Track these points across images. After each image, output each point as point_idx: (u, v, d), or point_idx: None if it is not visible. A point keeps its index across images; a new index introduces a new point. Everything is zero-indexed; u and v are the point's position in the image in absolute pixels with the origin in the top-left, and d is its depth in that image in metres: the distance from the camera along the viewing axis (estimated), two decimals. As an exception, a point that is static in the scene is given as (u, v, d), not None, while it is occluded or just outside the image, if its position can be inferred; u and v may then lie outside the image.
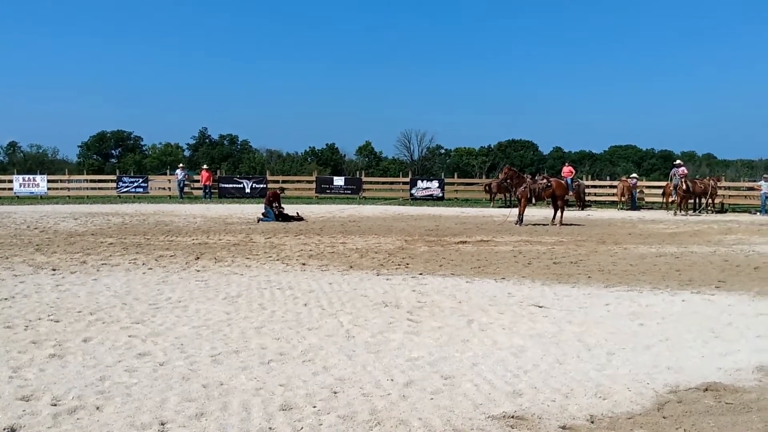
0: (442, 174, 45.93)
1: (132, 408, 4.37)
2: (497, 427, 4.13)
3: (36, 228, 17.38)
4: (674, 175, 27.97)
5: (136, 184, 36.36)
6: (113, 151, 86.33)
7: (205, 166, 37.36)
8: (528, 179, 20.82)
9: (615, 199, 31.66)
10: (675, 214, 26.15)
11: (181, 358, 5.54)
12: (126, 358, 5.56)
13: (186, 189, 35.02)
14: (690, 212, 26.94)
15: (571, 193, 28.48)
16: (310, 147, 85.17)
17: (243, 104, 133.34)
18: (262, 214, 20.73)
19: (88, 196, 34.87)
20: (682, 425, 4.16)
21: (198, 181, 35.97)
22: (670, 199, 28.05)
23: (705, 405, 4.53)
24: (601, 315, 7.46)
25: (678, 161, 31.68)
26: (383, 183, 42.33)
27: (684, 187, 26.64)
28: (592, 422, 4.24)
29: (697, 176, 38.76)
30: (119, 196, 35.00)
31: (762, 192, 27.91)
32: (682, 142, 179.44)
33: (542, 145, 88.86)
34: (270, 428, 4.07)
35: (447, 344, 6.13)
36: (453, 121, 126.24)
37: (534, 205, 21.80)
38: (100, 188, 37.02)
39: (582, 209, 28.76)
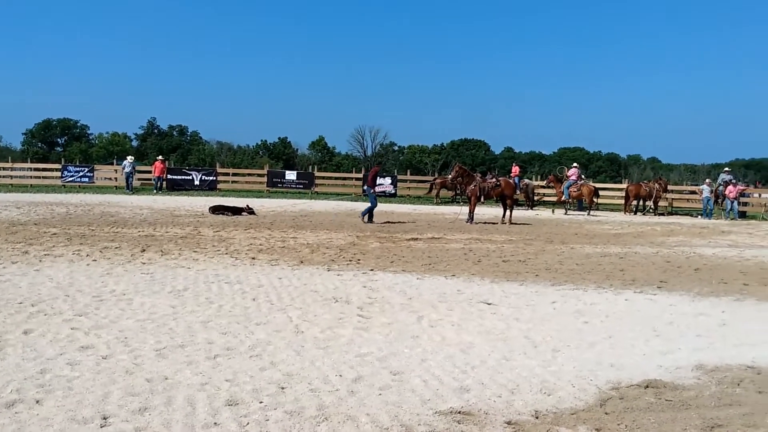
0: (395, 171, 46.08)
1: (73, 402, 4.25)
2: (444, 422, 4.16)
3: (-27, 216, 16.72)
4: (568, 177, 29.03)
5: (81, 174, 35.41)
6: (59, 140, 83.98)
7: (159, 157, 36.19)
8: (478, 178, 21.05)
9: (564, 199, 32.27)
10: (558, 211, 27.34)
11: (125, 352, 5.41)
12: (68, 351, 5.40)
13: (134, 181, 33.74)
14: (583, 211, 27.82)
15: (519, 192, 28.98)
16: (262, 140, 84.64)
17: (194, 95, 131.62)
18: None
19: (31, 185, 33.83)
20: (624, 421, 4.27)
21: (149, 172, 34.98)
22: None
23: (646, 402, 4.65)
24: (547, 312, 7.59)
25: (575, 163, 32.41)
26: (336, 178, 42.16)
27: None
28: (537, 417, 4.31)
29: (643, 180, 39.79)
30: (64, 185, 34.01)
31: (704, 196, 28.85)
32: (628, 146, 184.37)
33: (494, 145, 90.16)
34: (215, 423, 4.01)
35: (396, 340, 6.15)
36: (407, 118, 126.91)
37: (483, 203, 22.08)
38: (44, 177, 35.88)
39: (531, 209, 29.22)
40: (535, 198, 31.63)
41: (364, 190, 19.44)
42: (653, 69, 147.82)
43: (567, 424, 4.21)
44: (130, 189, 32.28)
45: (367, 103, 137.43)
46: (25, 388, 4.46)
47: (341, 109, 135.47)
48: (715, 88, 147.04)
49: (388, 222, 19.00)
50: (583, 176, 30.66)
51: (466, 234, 16.47)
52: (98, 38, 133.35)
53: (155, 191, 32.48)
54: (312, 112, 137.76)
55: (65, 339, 5.76)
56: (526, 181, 32.43)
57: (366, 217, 18.77)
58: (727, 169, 32.63)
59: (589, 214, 27.11)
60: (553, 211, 27.81)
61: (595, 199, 28.47)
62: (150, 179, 34.51)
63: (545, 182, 31.23)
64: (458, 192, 28.01)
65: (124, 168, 33.05)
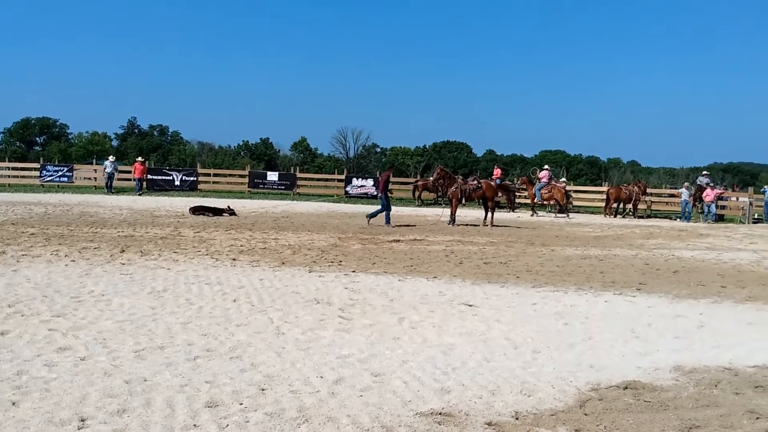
0: (378, 172, 46.07)
1: (50, 404, 4.20)
2: (425, 423, 4.16)
3: (-51, 216, 16.47)
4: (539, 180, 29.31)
5: (60, 173, 35.00)
6: (38, 139, 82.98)
7: (139, 159, 35.41)
8: (459, 180, 21.11)
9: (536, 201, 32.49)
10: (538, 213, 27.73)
11: (104, 353, 5.35)
12: (45, 352, 5.34)
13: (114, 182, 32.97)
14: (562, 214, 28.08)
15: (500, 194, 29.10)
16: (243, 141, 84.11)
17: (175, 95, 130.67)
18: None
19: (9, 185, 33.35)
20: (603, 422, 4.30)
21: (129, 173, 34.55)
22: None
23: (625, 403, 4.69)
24: (528, 314, 7.62)
25: (546, 165, 32.58)
26: (318, 180, 42.02)
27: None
28: (517, 419, 4.33)
29: (623, 183, 40.14)
30: (43, 185, 33.60)
31: (682, 199, 29.17)
32: (608, 149, 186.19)
33: (476, 148, 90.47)
34: (195, 425, 3.98)
35: (378, 342, 6.14)
36: (389, 120, 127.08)
37: (464, 205, 22.16)
38: (22, 176, 35.36)
39: (512, 211, 29.36)
40: (516, 200, 31.80)
41: (378, 195, 19.58)
42: (634, 74, 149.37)
43: (547, 425, 4.24)
44: (110, 189, 31.61)
45: (349, 105, 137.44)
46: (1, 390, 4.40)
47: (324, 110, 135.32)
48: (694, 93, 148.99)
49: (406, 225, 18.96)
50: (554, 178, 30.85)
51: (448, 236, 16.51)
52: (79, 36, 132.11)
53: (137, 193, 31.70)
54: (294, 113, 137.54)
55: (43, 340, 5.69)
56: (507, 183, 32.58)
57: (385, 221, 19.00)
58: (705, 172, 32.98)
59: (567, 216, 27.34)
60: (532, 214, 27.97)
61: (565, 201, 28.70)
62: (129, 179, 34.04)
63: (517, 184, 31.35)
64: (440, 194, 28.05)
65: (105, 168, 32.45)
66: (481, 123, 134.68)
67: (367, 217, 19.40)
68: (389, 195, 19.59)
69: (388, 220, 18.84)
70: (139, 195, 30.78)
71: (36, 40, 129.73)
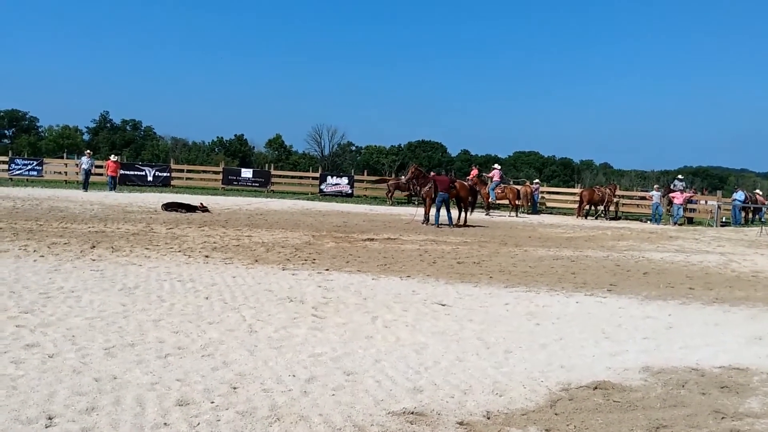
0: (352, 171, 46.05)
1: (17, 401, 4.13)
2: (397, 422, 4.17)
3: None
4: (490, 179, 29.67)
5: (29, 167, 34.47)
6: (6, 131, 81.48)
7: (112, 157, 33.80)
8: (433, 179, 21.16)
9: (519, 203, 32.73)
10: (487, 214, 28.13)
11: (73, 351, 5.27)
12: (12, 349, 5.24)
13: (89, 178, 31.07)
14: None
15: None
16: (218, 137, 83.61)
17: (148, 89, 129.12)
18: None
19: (-24, 178, 32.71)
20: (573, 422, 4.35)
21: (101, 167, 33.71)
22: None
23: (594, 403, 4.75)
24: (500, 314, 7.68)
25: (496, 164, 32.59)
26: (292, 177, 41.90)
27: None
28: (488, 418, 4.36)
29: (596, 184, 40.60)
30: (11, 178, 33.06)
31: (653, 202, 29.60)
32: (581, 151, 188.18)
33: (451, 147, 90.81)
34: (165, 424, 3.94)
35: (351, 340, 6.14)
36: (364, 118, 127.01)
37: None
38: (-10, 170, 34.72)
39: (487, 212, 29.53)
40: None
41: (433, 198, 19.88)
42: (607, 78, 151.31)
43: (518, 424, 4.27)
44: (86, 187, 29.81)
45: (324, 103, 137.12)
46: (-34, 388, 4.31)
47: (299, 108, 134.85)
48: (666, 97, 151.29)
49: (472, 226, 18.95)
50: (504, 177, 31.06)
51: (422, 235, 16.55)
52: (50, 28, 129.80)
53: (111, 190, 30.18)
54: (269, 110, 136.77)
55: (10, 337, 5.58)
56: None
57: (432, 220, 19.71)
58: (680, 176, 33.50)
59: (517, 216, 27.59)
60: (510, 214, 28.17)
61: (518, 202, 28.95)
62: (100, 176, 33.20)
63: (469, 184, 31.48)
64: (413, 193, 28.08)
65: (81, 165, 30.96)
66: (456, 123, 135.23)
67: (433, 224, 19.79)
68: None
69: (437, 221, 19.66)
70: (111, 191, 29.77)
71: (4, 32, 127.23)
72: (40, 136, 78.37)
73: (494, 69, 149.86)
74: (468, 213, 21.20)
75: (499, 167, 30.78)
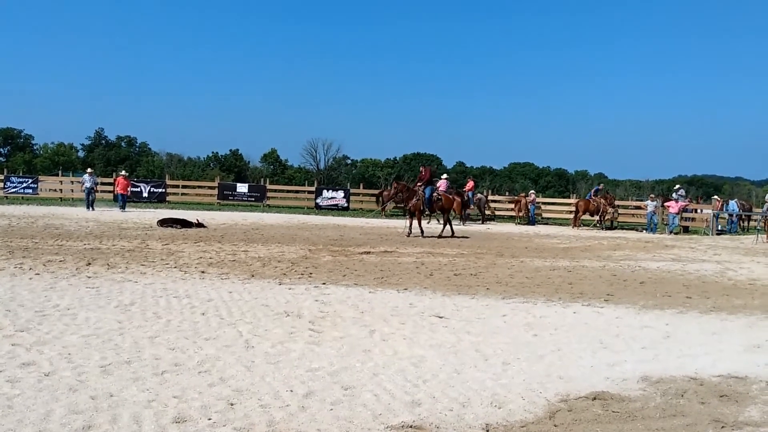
0: (348, 184, 46.06)
1: (13, 421, 4.09)
2: (396, 437, 4.15)
3: None
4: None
5: (25, 185, 34.42)
6: (1, 149, 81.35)
7: (123, 173, 32.37)
8: (420, 192, 21.11)
9: (514, 213, 32.79)
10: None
11: (69, 369, 5.24)
12: (8, 367, 5.20)
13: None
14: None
15: (472, 206, 29.32)
16: (213, 152, 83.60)
17: (143, 105, 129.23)
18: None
19: (-29, 196, 32.62)
20: (572, 432, 4.33)
21: (108, 184, 32.89)
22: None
23: (593, 413, 4.73)
24: (498, 326, 7.66)
25: (444, 174, 32.32)
26: (288, 191, 41.90)
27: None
28: (488, 431, 4.33)
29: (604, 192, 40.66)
30: (6, 196, 33.00)
31: (648, 211, 29.66)
32: (576, 162, 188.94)
33: (446, 159, 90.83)
34: (162, 442, 3.91)
35: (348, 354, 6.11)
36: (360, 131, 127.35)
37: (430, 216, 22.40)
38: (-15, 188, 34.61)
39: (483, 223, 29.56)
40: (487, 212, 32.02)
41: (422, 211, 20.01)
42: (601, 88, 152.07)
43: (517, 436, 4.25)
44: (90, 207, 28.22)
45: (320, 116, 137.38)
46: (-40, 408, 4.27)
47: (294, 122, 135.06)
48: (659, 107, 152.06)
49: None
50: (453, 187, 30.90)
51: (418, 248, 16.55)
52: (44, 44, 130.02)
53: (121, 209, 28.57)
54: (264, 125, 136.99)
55: (5, 355, 5.54)
56: (479, 195, 32.79)
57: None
58: (678, 186, 33.51)
59: (464, 224, 27.42)
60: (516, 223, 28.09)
61: (466, 210, 28.66)
62: (105, 192, 32.66)
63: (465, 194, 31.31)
64: (402, 207, 27.97)
65: (84, 183, 29.41)
66: (451, 135, 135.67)
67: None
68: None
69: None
70: (122, 210, 28.23)
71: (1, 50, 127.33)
72: (35, 154, 78.32)
73: (488, 81, 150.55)
74: (449, 225, 21.36)
75: (447, 177, 30.12)
